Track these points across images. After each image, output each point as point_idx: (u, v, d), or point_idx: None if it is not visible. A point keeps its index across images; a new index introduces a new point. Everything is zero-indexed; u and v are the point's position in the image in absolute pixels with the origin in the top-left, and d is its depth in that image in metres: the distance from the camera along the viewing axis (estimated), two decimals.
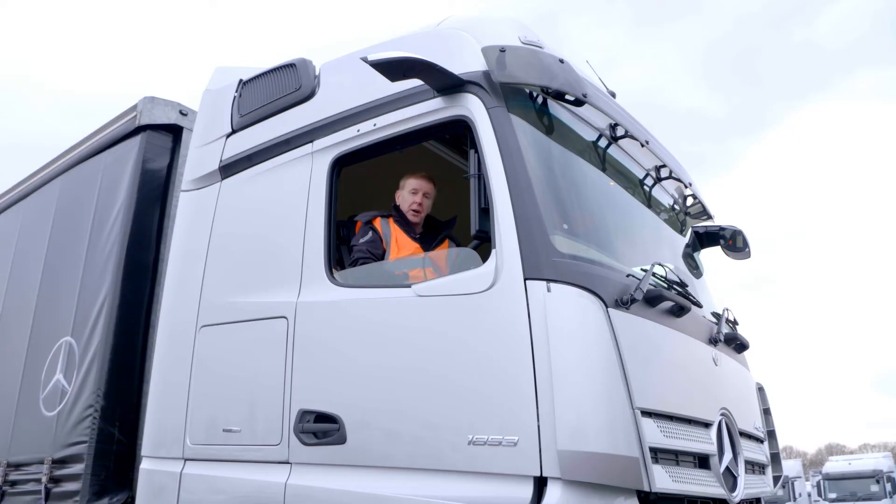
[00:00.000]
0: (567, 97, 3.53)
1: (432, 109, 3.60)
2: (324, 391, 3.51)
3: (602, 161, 3.92)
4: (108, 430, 4.59)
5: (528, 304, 3.04)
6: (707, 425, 3.53)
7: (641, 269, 3.59)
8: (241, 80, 4.57)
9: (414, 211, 4.14)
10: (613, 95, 4.34)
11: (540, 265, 3.10)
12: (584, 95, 3.49)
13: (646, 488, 3.00)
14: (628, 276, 3.45)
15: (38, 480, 4.87)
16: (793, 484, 28.68)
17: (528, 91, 3.55)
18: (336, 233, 3.94)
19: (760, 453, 4.29)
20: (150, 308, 4.86)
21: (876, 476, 27.70)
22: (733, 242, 5.09)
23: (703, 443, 3.44)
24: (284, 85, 4.29)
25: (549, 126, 3.62)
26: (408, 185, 4.19)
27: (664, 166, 4.46)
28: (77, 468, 4.61)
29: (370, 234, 4.02)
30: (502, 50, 3.45)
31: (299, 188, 3.95)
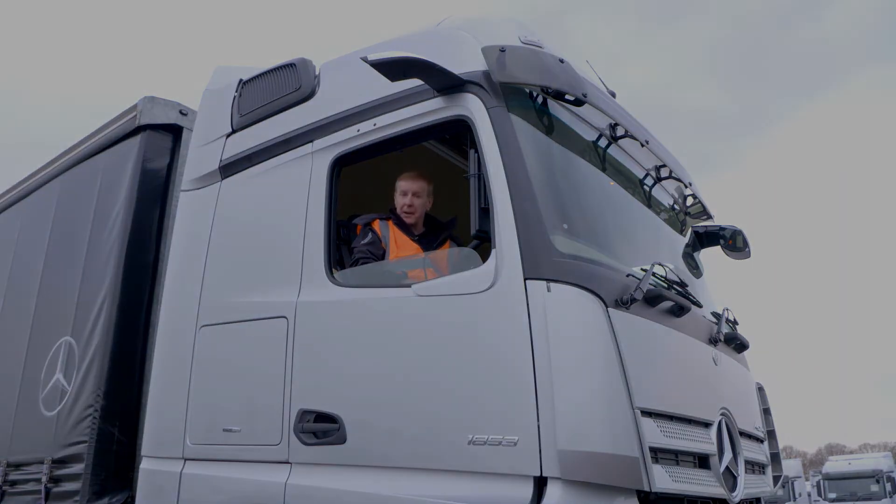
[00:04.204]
0: (567, 97, 3.52)
1: (432, 109, 3.60)
2: (324, 391, 3.51)
3: (602, 161, 3.92)
4: (108, 430, 4.59)
5: (527, 304, 3.04)
6: (707, 425, 3.53)
7: (641, 269, 3.59)
8: (241, 80, 4.57)
9: (406, 213, 4.12)
10: (613, 95, 4.34)
11: (540, 265, 3.10)
12: (584, 95, 3.49)
13: (646, 488, 2.99)
14: (628, 275, 3.45)
15: (38, 480, 4.87)
16: (793, 484, 28.62)
17: (528, 91, 3.55)
18: (336, 233, 3.94)
19: (760, 453, 4.29)
20: (150, 308, 4.85)
21: (876, 476, 27.66)
22: (733, 242, 5.09)
23: (703, 443, 3.44)
24: (284, 85, 4.29)
25: (549, 126, 3.62)
26: (398, 188, 4.18)
27: (664, 166, 4.46)
28: (77, 468, 4.61)
29: (370, 235, 4.01)
30: (502, 50, 3.45)
31: (299, 188, 3.95)
